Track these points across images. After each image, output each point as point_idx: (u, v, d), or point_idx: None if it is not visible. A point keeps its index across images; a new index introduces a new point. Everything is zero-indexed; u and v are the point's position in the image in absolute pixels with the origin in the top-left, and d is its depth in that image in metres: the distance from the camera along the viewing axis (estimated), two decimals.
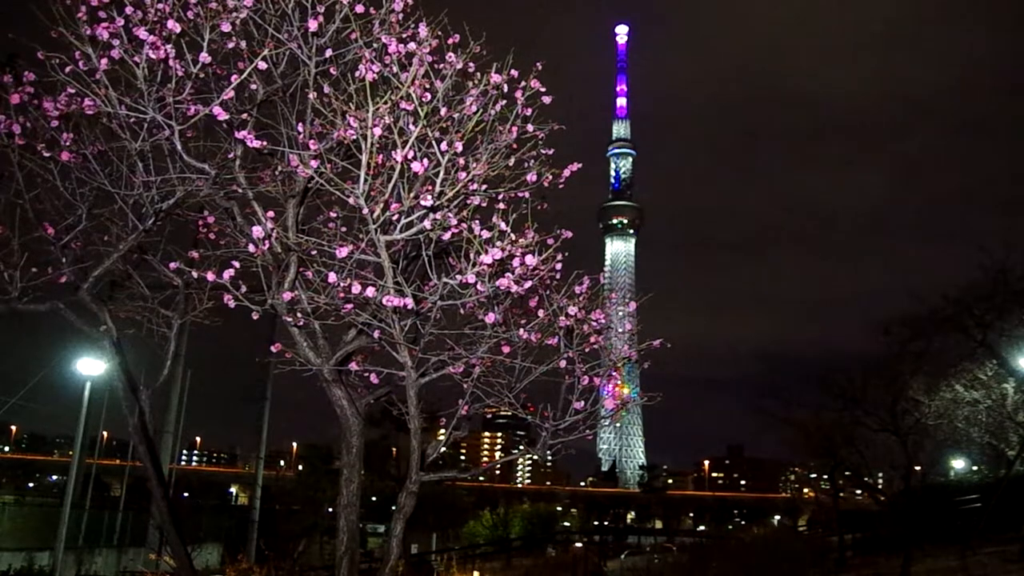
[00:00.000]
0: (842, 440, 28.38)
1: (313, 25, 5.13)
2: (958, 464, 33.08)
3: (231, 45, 5.17)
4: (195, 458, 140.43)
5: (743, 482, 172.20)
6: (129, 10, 4.83)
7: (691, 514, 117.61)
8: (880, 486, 30.86)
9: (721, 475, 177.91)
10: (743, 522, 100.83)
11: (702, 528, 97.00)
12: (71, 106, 5.10)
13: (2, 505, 31.85)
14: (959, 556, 22.02)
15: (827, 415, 28.89)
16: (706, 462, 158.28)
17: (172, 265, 5.97)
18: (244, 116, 5.41)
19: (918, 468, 26.11)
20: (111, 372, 6.44)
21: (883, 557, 26.83)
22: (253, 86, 5.42)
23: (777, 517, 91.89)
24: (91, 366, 19.35)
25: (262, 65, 5.06)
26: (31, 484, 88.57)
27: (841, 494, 36.55)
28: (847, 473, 33.39)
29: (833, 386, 27.29)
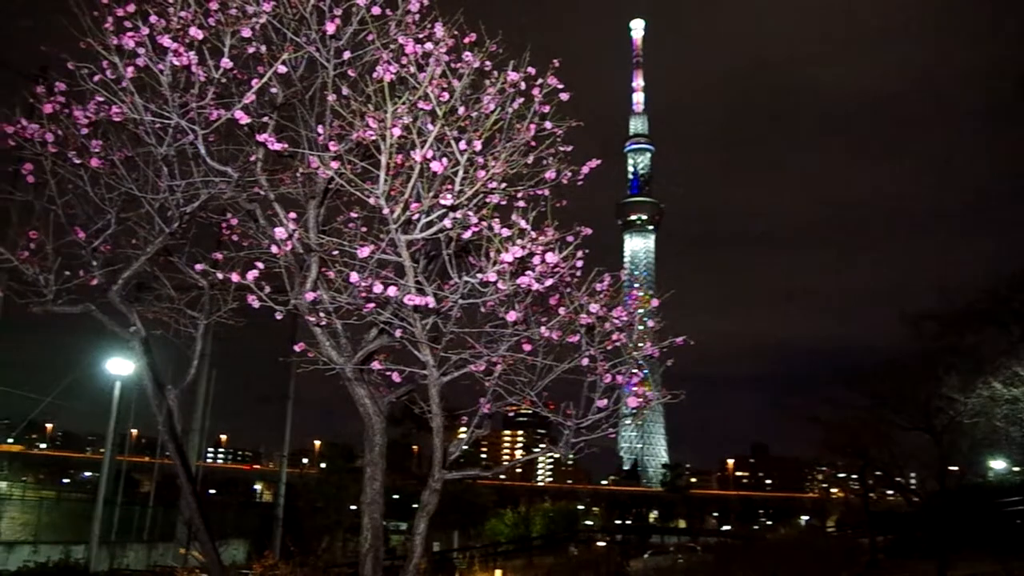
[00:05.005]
0: (872, 439, 27.91)
1: (331, 28, 5.18)
2: (997, 464, 32.08)
3: (251, 50, 5.25)
4: (221, 456, 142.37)
5: (768, 481, 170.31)
6: (153, 19, 4.93)
7: (715, 513, 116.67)
8: (913, 486, 30.25)
9: (746, 474, 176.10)
10: (769, 522, 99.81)
11: (727, 528, 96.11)
12: (100, 114, 5.23)
13: (40, 500, 32.63)
14: (1000, 561, 21.42)
15: (856, 413, 28.45)
16: (730, 461, 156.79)
17: (198, 267, 6.09)
18: (265, 119, 5.49)
19: (954, 468, 25.53)
20: (140, 372, 6.58)
21: (917, 561, 26.31)
22: (273, 90, 5.49)
23: (804, 517, 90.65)
24: (121, 366, 19.77)
25: (282, 69, 5.13)
26: (65, 480, 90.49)
27: (871, 494, 35.97)
28: (877, 473, 32.83)
29: (862, 383, 26.87)
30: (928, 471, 27.37)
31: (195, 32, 4.86)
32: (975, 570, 22.06)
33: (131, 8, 4.96)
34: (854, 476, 36.88)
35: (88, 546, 21.12)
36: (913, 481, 30.99)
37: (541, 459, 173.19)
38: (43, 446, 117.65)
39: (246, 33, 5.05)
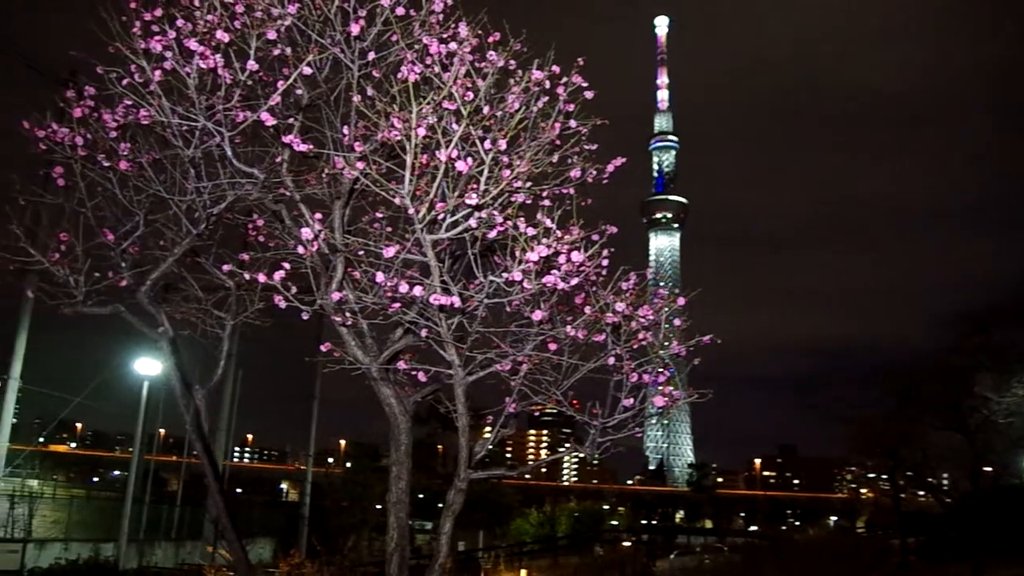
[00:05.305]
0: (902, 438, 27.38)
1: (355, 29, 5.19)
2: None
3: (276, 52, 5.28)
4: (247, 455, 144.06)
5: (796, 481, 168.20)
6: (180, 23, 4.98)
7: (742, 514, 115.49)
8: (945, 487, 29.61)
9: (773, 474, 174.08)
10: (797, 523, 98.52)
11: (754, 528, 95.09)
12: (128, 117, 5.29)
13: (71, 499, 33.27)
14: None
15: (885, 412, 27.96)
16: (757, 461, 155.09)
17: (225, 268, 6.14)
18: (290, 121, 5.52)
19: (988, 469, 24.93)
20: (168, 372, 6.65)
21: (949, 563, 25.70)
22: (298, 91, 5.52)
23: (833, 518, 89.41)
24: (149, 366, 20.09)
25: (307, 70, 5.15)
26: (95, 479, 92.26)
27: (902, 495, 35.26)
28: (908, 473, 32.19)
29: (891, 382, 26.39)
30: (961, 472, 26.80)
31: (221, 35, 4.90)
32: (1011, 573, 21.48)
33: (158, 12, 5.02)
34: (884, 476, 36.21)
35: (117, 544, 21.46)
36: (945, 482, 30.35)
37: (566, 459, 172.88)
38: (73, 445, 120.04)
39: (271, 35, 5.08)
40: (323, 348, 5.50)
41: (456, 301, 4.93)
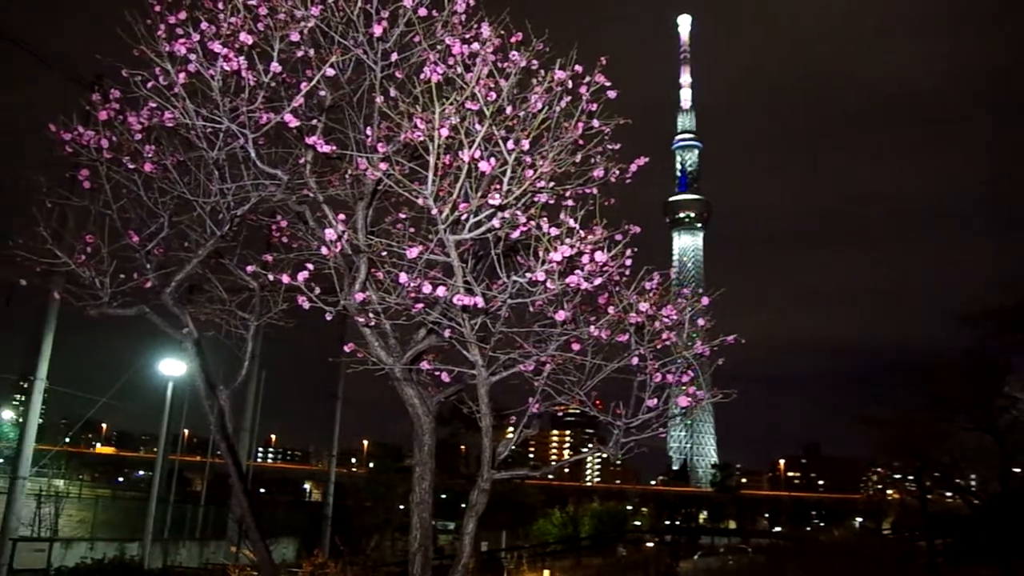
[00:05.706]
0: (929, 439, 26.91)
1: (378, 30, 5.19)
2: None
3: (300, 54, 5.29)
4: (270, 455, 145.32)
5: (820, 482, 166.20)
6: (204, 26, 5.01)
7: (766, 515, 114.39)
8: (974, 488, 29.05)
9: (797, 475, 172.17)
10: (821, 524, 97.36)
11: (778, 529, 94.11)
12: (152, 120, 5.33)
13: (96, 499, 33.77)
14: None
15: (911, 413, 27.51)
16: (781, 461, 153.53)
17: (248, 269, 6.17)
18: (313, 122, 5.53)
19: (1017, 470, 24.44)
20: (192, 373, 6.70)
21: (978, 565, 25.22)
22: (322, 92, 5.53)
23: (859, 519, 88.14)
24: (173, 367, 20.31)
25: (330, 72, 5.15)
26: (120, 479, 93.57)
27: (929, 496, 34.66)
28: (936, 474, 31.62)
29: (917, 382, 25.96)
30: (990, 472, 26.29)
31: (245, 37, 4.91)
32: None
33: (182, 15, 5.05)
34: (911, 477, 35.62)
35: (142, 543, 21.70)
36: (974, 483, 29.77)
37: (589, 459, 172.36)
38: (98, 445, 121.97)
39: (295, 37, 5.09)
40: (346, 349, 5.52)
41: (479, 301, 4.91)
